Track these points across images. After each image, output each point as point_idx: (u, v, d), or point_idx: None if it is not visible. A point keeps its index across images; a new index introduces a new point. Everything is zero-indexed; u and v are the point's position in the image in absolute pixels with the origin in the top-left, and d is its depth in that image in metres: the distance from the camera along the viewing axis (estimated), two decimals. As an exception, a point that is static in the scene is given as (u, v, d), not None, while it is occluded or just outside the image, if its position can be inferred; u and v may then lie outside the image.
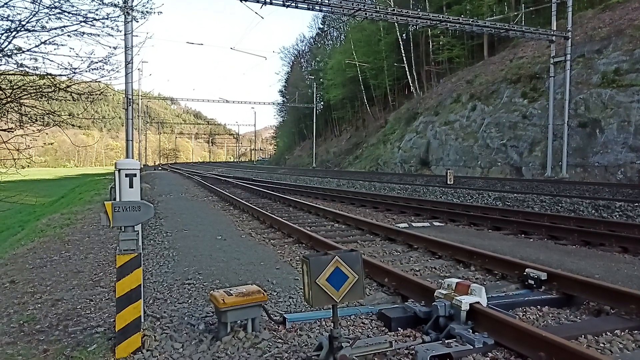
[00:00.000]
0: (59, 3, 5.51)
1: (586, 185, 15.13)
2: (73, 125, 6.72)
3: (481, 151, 25.69)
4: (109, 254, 6.33)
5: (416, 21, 19.36)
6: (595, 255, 6.03)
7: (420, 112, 34.70)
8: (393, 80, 45.12)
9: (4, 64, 5.58)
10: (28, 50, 5.52)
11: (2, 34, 5.40)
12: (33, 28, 5.48)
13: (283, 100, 75.59)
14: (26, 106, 6.05)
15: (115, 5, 6.18)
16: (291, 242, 7.10)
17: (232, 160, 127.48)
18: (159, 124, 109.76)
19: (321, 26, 68.96)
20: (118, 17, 6.30)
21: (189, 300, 4.17)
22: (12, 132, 5.89)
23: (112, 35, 6.08)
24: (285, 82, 78.56)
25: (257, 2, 16.41)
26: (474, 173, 25.33)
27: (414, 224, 8.88)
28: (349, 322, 3.54)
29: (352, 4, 17.46)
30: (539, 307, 3.84)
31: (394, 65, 42.54)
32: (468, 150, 26.78)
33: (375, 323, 3.54)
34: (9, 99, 5.69)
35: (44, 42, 5.55)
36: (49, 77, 5.76)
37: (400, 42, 41.72)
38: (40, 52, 5.56)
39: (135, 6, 8.27)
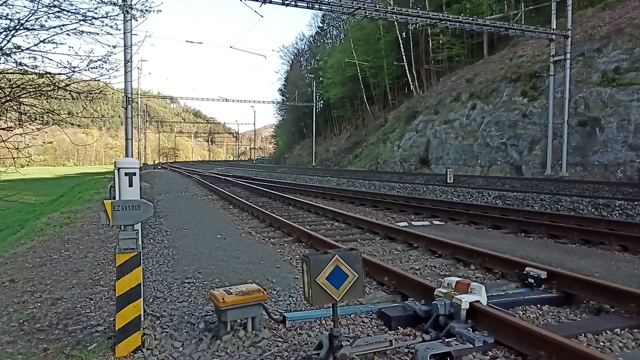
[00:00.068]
0: (58, 2, 5.52)
1: (586, 184, 15.13)
2: (72, 124, 6.72)
3: (481, 150, 25.69)
4: (109, 253, 6.33)
5: (416, 20, 19.34)
6: (595, 253, 6.03)
7: (420, 111, 34.68)
8: (393, 79, 45.09)
9: (3, 63, 5.59)
10: (27, 49, 5.52)
11: (1, 33, 5.40)
12: (32, 27, 5.48)
13: (283, 99, 75.59)
14: (25, 105, 6.05)
15: (115, 4, 6.18)
16: (291, 240, 7.09)
17: (231, 159, 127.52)
18: (158, 122, 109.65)
19: (321, 25, 68.96)
20: (117, 15, 6.29)
21: (189, 299, 4.17)
22: (12, 131, 5.88)
23: (111, 34, 6.09)
24: (285, 81, 78.59)
25: (257, 0, 16.40)
26: (474, 172, 25.34)
27: (413, 223, 8.87)
28: (349, 321, 3.54)
29: (352, 3, 17.43)
30: (539, 305, 3.84)
31: (394, 64, 42.51)
32: (468, 149, 26.78)
33: (375, 322, 3.54)
34: (8, 98, 5.69)
35: (43, 41, 5.55)
36: (48, 75, 5.76)
37: (400, 41, 41.69)
38: (39, 51, 5.56)
39: (135, 5, 8.26)
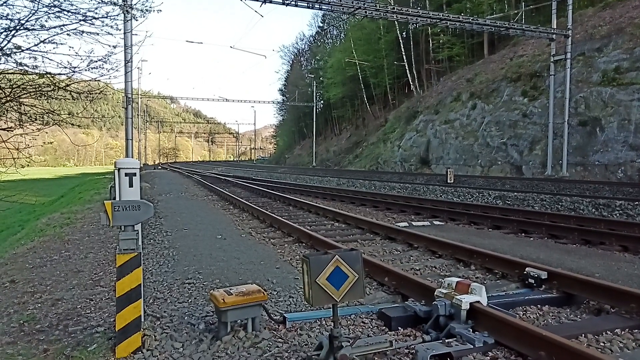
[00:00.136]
0: (58, 2, 5.52)
1: (586, 184, 15.12)
2: (72, 124, 6.72)
3: (481, 150, 25.68)
4: (109, 254, 6.33)
5: (416, 19, 19.34)
6: (596, 254, 6.02)
7: (420, 111, 34.68)
8: (393, 79, 45.08)
9: (4, 63, 5.59)
10: (27, 49, 5.52)
11: (1, 33, 5.40)
12: (32, 27, 5.48)
13: (283, 99, 75.59)
14: (26, 105, 6.05)
15: (115, 4, 6.18)
16: (291, 241, 7.09)
17: (232, 159, 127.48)
18: (158, 122, 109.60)
19: (321, 24, 68.99)
20: (117, 15, 6.31)
21: (189, 300, 4.17)
22: (12, 131, 5.89)
23: (112, 34, 6.09)
24: (285, 81, 78.58)
25: (257, 0, 16.40)
26: (474, 172, 25.33)
27: (414, 223, 8.87)
28: (349, 322, 3.53)
29: (352, 2, 17.42)
30: (539, 306, 3.83)
31: (394, 64, 42.51)
32: (468, 149, 26.77)
33: (376, 322, 3.54)
34: (8, 98, 5.69)
35: (43, 41, 5.55)
36: (49, 76, 5.76)
37: (400, 41, 41.67)
38: (39, 51, 5.56)
39: (135, 4, 8.26)
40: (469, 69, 33.50)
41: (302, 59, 76.02)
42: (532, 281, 4.24)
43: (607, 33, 21.71)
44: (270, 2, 16.43)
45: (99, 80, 6.27)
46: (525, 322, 3.22)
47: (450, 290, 3.36)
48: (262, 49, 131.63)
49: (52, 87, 5.88)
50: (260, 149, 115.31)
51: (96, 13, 5.83)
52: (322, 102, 61.90)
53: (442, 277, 4.58)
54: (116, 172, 3.15)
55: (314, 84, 54.55)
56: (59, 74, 5.88)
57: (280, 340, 3.18)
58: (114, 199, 3.14)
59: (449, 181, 18.15)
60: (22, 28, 5.44)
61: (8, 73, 5.82)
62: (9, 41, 5.48)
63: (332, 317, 2.67)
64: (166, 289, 4.55)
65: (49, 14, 5.53)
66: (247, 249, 6.47)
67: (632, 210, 9.21)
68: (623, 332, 3.18)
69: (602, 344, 3.00)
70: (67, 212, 12.20)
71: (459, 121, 28.65)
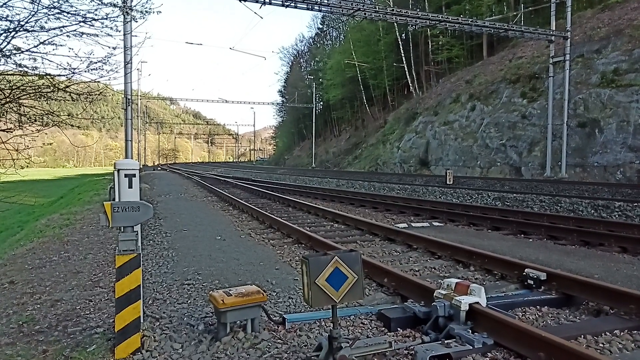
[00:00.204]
0: (58, 3, 5.51)
1: (585, 185, 15.14)
2: (72, 125, 6.71)
3: (480, 151, 25.70)
4: (108, 255, 6.33)
5: (415, 21, 19.38)
6: (595, 255, 6.03)
7: (419, 112, 34.72)
8: (392, 80, 45.13)
9: (3, 64, 5.58)
10: (27, 51, 5.51)
11: (1, 34, 5.40)
12: (32, 28, 5.48)
13: (282, 101, 75.66)
14: (25, 106, 6.04)
15: (115, 5, 6.17)
16: (290, 242, 7.09)
17: (231, 160, 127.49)
18: (158, 124, 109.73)
19: (320, 26, 69.11)
20: (117, 17, 6.28)
21: (189, 301, 4.17)
22: (11, 132, 5.88)
23: (111, 36, 6.06)
24: (285, 82, 78.65)
25: (257, 2, 16.42)
26: (474, 173, 25.35)
27: (413, 224, 8.88)
28: (348, 323, 3.54)
29: (352, 4, 17.46)
30: (538, 307, 3.84)
31: (393, 65, 42.55)
32: (467, 150, 26.80)
33: (375, 323, 3.54)
34: (8, 99, 5.68)
35: (43, 42, 5.54)
36: (48, 77, 5.75)
37: (400, 42, 41.74)
38: (39, 52, 5.55)
39: (135, 6, 8.24)
40: (468, 70, 33.56)
41: (301, 60, 76.13)
42: (531, 282, 4.24)
43: (606, 35, 21.76)
44: (270, 3, 16.45)
45: (98, 82, 6.27)
46: (524, 323, 3.22)
47: (449, 291, 3.37)
48: (262, 50, 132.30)
49: (51, 88, 5.87)
50: (260, 150, 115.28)
51: (96, 14, 5.83)
52: (321, 103, 61.95)
53: (442, 278, 4.58)
54: (116, 173, 3.15)
55: (314, 86, 54.62)
56: (59, 75, 5.88)
57: (279, 341, 3.18)
58: (114, 200, 3.14)
59: (448, 182, 18.17)
60: (21, 29, 5.44)
61: (8, 74, 5.82)
62: (8, 42, 5.48)
63: (331, 318, 2.67)
64: (165, 289, 4.55)
65: (49, 15, 5.53)
66: (246, 250, 6.47)
67: (631, 212, 9.22)
68: (622, 333, 3.18)
69: (601, 345, 3.01)
70: (67, 213, 12.19)
71: (458, 122, 28.68)
